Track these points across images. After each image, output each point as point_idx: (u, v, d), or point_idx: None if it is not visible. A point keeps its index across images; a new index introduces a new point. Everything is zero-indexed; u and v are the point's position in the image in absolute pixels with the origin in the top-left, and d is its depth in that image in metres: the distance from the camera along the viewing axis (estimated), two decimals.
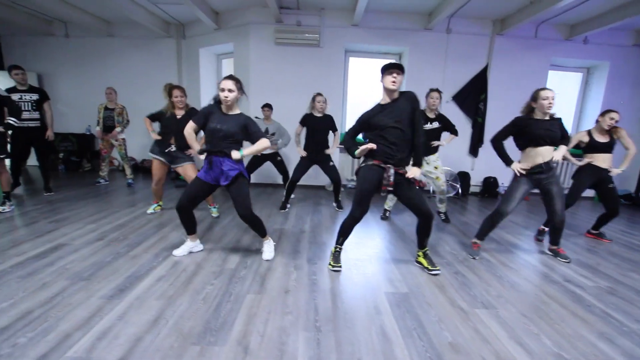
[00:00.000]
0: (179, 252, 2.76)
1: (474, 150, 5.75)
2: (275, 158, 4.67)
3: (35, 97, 4.35)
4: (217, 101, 2.56)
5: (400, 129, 2.40)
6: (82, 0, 5.31)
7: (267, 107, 4.55)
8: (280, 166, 4.73)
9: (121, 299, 2.07)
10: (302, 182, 5.63)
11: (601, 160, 3.47)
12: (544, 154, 2.81)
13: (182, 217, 2.66)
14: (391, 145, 2.41)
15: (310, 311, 2.03)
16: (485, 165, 5.82)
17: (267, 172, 5.74)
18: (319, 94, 4.08)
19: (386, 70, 2.39)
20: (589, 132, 3.51)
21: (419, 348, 1.74)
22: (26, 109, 4.26)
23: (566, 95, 6.12)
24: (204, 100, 6.34)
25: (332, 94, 5.46)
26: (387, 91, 2.44)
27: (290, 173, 4.37)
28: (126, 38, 6.41)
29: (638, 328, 2.03)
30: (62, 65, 6.60)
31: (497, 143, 2.94)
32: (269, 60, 5.44)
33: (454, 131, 3.82)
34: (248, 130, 2.58)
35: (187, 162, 3.60)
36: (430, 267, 2.63)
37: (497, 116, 5.41)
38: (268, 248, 2.82)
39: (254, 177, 5.96)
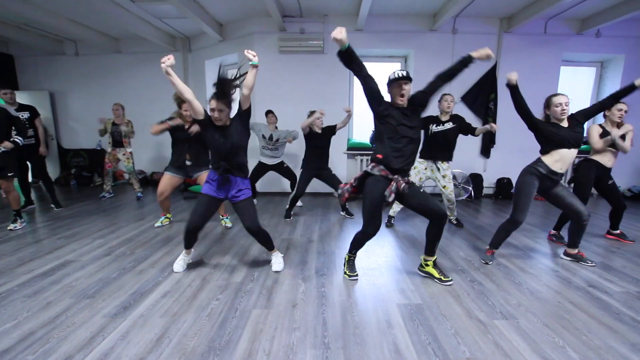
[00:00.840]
0: (179, 268, 2.69)
1: (485, 152, 5.57)
2: (281, 167, 4.65)
3: (26, 115, 4.48)
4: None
5: (412, 138, 2.33)
6: (90, 18, 5.41)
7: (271, 113, 4.53)
8: (288, 173, 4.69)
9: (125, 317, 2.02)
10: (310, 189, 5.59)
11: (608, 157, 3.27)
12: (566, 157, 2.68)
13: (191, 236, 2.63)
14: (402, 156, 2.33)
15: (318, 326, 1.94)
16: (498, 167, 5.65)
17: (275, 181, 5.70)
18: (315, 111, 4.08)
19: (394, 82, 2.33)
20: (602, 127, 3.33)
21: None
22: None
23: (580, 91, 5.92)
24: None
25: (338, 100, 5.41)
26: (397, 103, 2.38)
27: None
28: (134, 54, 6.50)
29: None
30: (73, 82, 6.73)
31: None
32: (273, 69, 5.43)
33: (471, 129, 3.69)
34: (244, 120, 2.54)
35: (205, 170, 3.60)
36: (443, 278, 2.49)
37: (508, 116, 5.19)
38: (277, 260, 2.76)
39: (260, 186, 5.93)
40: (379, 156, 2.34)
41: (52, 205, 4.70)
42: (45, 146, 4.63)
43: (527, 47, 5.37)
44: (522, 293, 2.37)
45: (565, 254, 3.00)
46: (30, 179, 4.88)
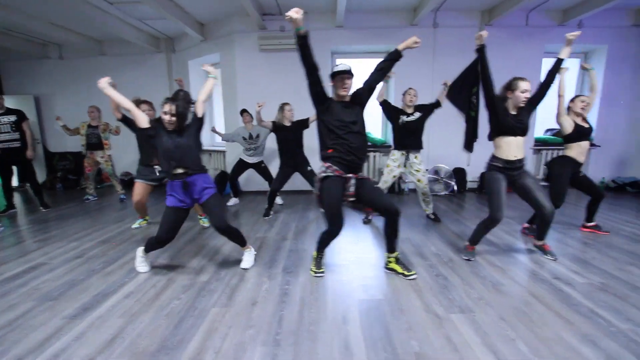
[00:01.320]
0: (144, 268, 2.70)
1: (469, 146, 5.52)
2: (259, 166, 4.67)
3: (13, 118, 4.54)
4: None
5: (355, 132, 2.34)
6: (73, 22, 5.40)
7: (246, 112, 4.55)
8: (265, 173, 4.72)
9: (83, 319, 2.03)
10: (292, 187, 5.59)
11: (582, 150, 3.24)
12: (512, 144, 2.68)
13: (159, 247, 2.66)
14: (353, 152, 2.34)
15: (274, 324, 1.95)
16: (482, 161, 5.60)
17: (256, 179, 5.70)
18: (287, 104, 4.14)
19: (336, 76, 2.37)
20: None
21: None
22: (5, 130, 4.44)
23: (564, 82, 5.87)
24: None
25: None
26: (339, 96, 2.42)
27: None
28: (118, 56, 6.50)
29: (627, 328, 1.88)
30: (58, 86, 6.74)
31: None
32: (255, 67, 5.42)
33: (436, 105, 3.81)
34: (198, 126, 2.58)
35: None
36: (406, 273, 2.50)
37: None
38: (248, 257, 2.76)
39: (244, 185, 5.93)
40: (330, 151, 2.36)
41: (41, 207, 4.76)
42: (32, 149, 4.67)
43: (509, 39, 5.34)
44: (485, 286, 2.38)
45: (534, 244, 3.01)
46: (16, 182, 4.92)
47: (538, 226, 2.88)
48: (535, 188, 2.73)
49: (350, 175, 2.35)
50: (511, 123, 2.64)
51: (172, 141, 2.45)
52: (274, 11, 5.16)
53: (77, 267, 2.80)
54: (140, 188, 3.58)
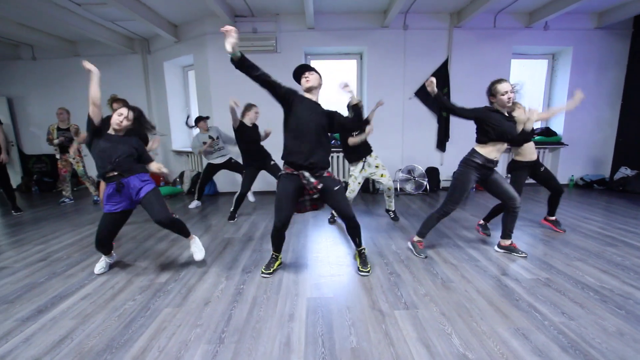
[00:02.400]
0: (99, 269, 2.72)
1: (441, 145, 5.70)
2: (229, 163, 4.71)
3: None
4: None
5: (314, 131, 2.42)
6: (43, 23, 5.37)
7: (202, 120, 4.66)
8: (237, 167, 4.76)
9: (35, 321, 2.06)
10: (266, 187, 5.64)
11: (531, 151, 3.34)
12: (501, 148, 2.75)
13: (102, 249, 2.68)
14: (304, 148, 2.42)
15: (221, 322, 2.01)
16: (455, 160, 5.71)
17: (231, 180, 5.75)
18: (255, 105, 4.12)
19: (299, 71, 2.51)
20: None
21: (317, 355, 1.71)
22: None
23: (533, 84, 6.05)
24: (172, 113, 6.36)
25: None
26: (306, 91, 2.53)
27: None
28: (92, 57, 6.42)
29: (560, 321, 1.97)
30: (32, 87, 6.67)
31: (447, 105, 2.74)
32: (227, 69, 5.36)
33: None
34: (138, 150, 2.63)
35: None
36: (360, 268, 2.60)
37: None
38: (196, 247, 2.78)
39: (221, 186, 5.97)
40: (283, 154, 2.50)
41: (12, 211, 4.73)
42: (7, 153, 4.61)
43: (478, 41, 5.47)
44: (434, 283, 2.46)
45: (499, 246, 3.02)
46: None
47: (506, 222, 2.92)
48: (503, 181, 2.82)
49: (300, 171, 2.43)
50: (510, 129, 2.65)
51: (112, 145, 2.49)
52: (245, 13, 5.20)
53: (39, 270, 2.81)
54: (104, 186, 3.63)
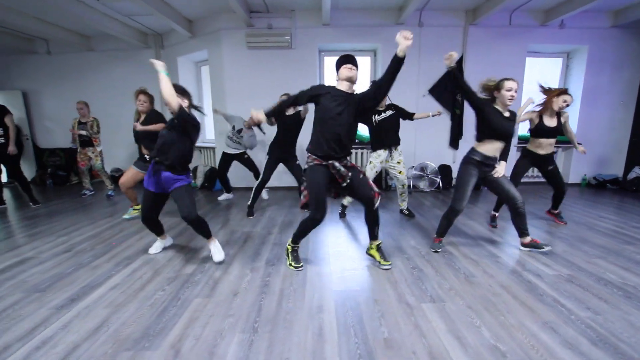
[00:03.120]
0: (153, 250, 2.95)
1: (454, 143, 5.69)
2: (242, 157, 4.73)
3: None
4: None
5: (343, 122, 2.42)
6: (59, 17, 5.41)
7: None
8: (249, 163, 4.79)
9: (70, 309, 2.11)
10: (282, 183, 5.67)
11: (544, 146, 3.47)
12: (498, 147, 2.80)
13: (149, 226, 2.86)
14: (333, 141, 2.43)
15: (252, 313, 2.05)
16: None
17: (243, 176, 5.78)
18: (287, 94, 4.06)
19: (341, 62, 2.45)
20: (540, 115, 3.45)
21: (351, 345, 1.74)
22: None
23: (548, 83, 6.01)
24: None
25: None
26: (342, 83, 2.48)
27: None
28: (106, 51, 6.50)
29: (586, 316, 2.00)
30: (46, 81, 6.72)
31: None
32: (242, 64, 5.47)
33: (409, 115, 3.87)
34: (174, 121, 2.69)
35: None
36: (382, 262, 2.62)
37: None
38: (215, 249, 2.80)
39: (234, 181, 6.00)
40: (310, 146, 2.50)
41: (30, 203, 4.79)
42: (15, 145, 4.61)
43: (493, 39, 5.46)
44: (457, 278, 2.49)
45: (522, 245, 3.01)
46: (5, 179, 4.92)
47: (516, 222, 2.95)
48: (505, 181, 2.87)
49: (330, 162, 2.45)
50: (504, 126, 2.71)
51: (162, 132, 2.63)
52: (261, 9, 5.22)
53: (66, 261, 2.86)
54: (130, 173, 3.80)
